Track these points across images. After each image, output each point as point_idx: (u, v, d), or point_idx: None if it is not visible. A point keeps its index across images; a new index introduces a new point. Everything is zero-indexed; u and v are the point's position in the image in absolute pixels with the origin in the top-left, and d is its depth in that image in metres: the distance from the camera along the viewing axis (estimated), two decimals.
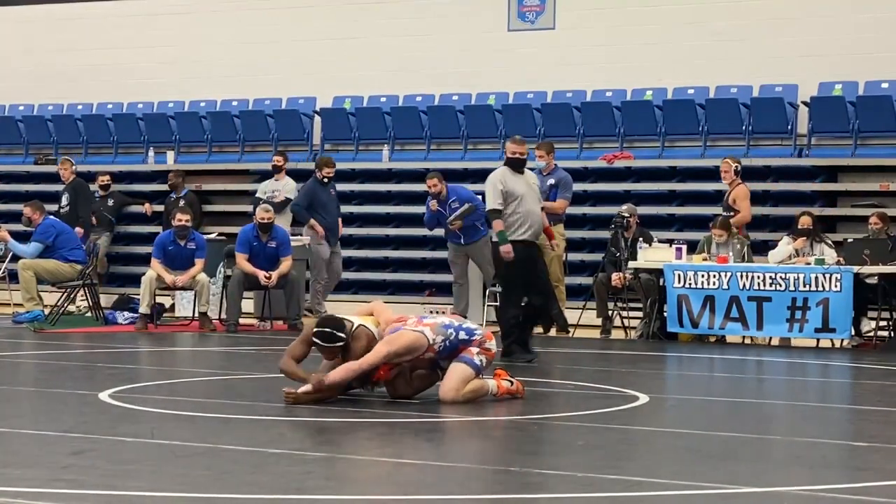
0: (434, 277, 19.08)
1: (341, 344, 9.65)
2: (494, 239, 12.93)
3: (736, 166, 16.39)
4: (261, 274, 16.28)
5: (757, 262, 15.65)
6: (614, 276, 16.01)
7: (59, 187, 21.16)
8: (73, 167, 19.69)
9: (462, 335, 9.69)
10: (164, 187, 20.19)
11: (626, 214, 16.31)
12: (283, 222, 18.91)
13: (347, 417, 9.10)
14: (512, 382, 9.96)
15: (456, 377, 9.64)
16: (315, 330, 9.71)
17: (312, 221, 17.59)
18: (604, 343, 15.81)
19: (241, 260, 16.51)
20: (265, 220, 16.57)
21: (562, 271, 17.01)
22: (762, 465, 7.68)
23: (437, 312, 17.17)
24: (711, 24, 19.19)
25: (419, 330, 9.62)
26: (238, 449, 7.94)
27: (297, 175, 19.06)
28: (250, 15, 21.59)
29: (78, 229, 18.09)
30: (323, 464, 7.57)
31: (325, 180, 17.80)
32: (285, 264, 16.51)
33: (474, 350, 9.70)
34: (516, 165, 12.89)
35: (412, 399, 9.75)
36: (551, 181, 16.82)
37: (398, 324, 9.73)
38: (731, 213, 16.10)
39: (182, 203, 18.94)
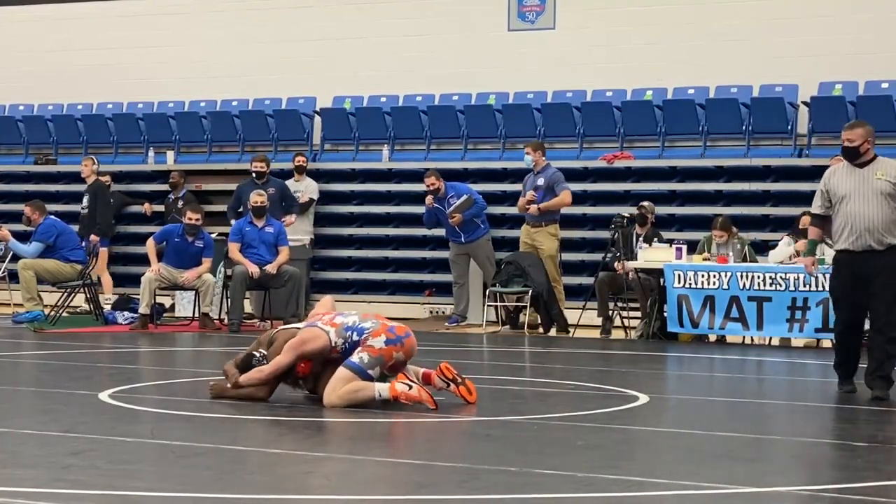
0: (434, 277, 19.08)
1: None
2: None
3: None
4: (251, 268, 16.25)
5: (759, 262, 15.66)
6: (617, 264, 16.02)
7: (58, 187, 21.20)
8: (95, 167, 19.24)
9: (355, 336, 9.42)
10: (165, 187, 20.19)
11: (648, 212, 16.52)
12: (306, 223, 18.94)
13: (347, 417, 9.09)
14: (411, 387, 9.30)
15: (333, 379, 9.39)
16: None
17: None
18: (604, 343, 15.81)
19: (234, 249, 16.50)
20: (258, 204, 16.60)
21: (557, 271, 17.02)
22: (762, 465, 7.68)
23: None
24: (711, 24, 19.19)
25: (325, 329, 9.51)
26: (238, 449, 7.94)
27: (292, 175, 19.14)
28: (250, 15, 21.58)
29: (93, 237, 17.91)
30: (323, 464, 7.57)
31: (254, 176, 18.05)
32: (283, 255, 16.53)
33: (357, 350, 9.40)
34: (848, 156, 10.64)
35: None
36: (540, 181, 16.90)
37: (316, 318, 9.68)
38: None
39: (181, 203, 18.93)
